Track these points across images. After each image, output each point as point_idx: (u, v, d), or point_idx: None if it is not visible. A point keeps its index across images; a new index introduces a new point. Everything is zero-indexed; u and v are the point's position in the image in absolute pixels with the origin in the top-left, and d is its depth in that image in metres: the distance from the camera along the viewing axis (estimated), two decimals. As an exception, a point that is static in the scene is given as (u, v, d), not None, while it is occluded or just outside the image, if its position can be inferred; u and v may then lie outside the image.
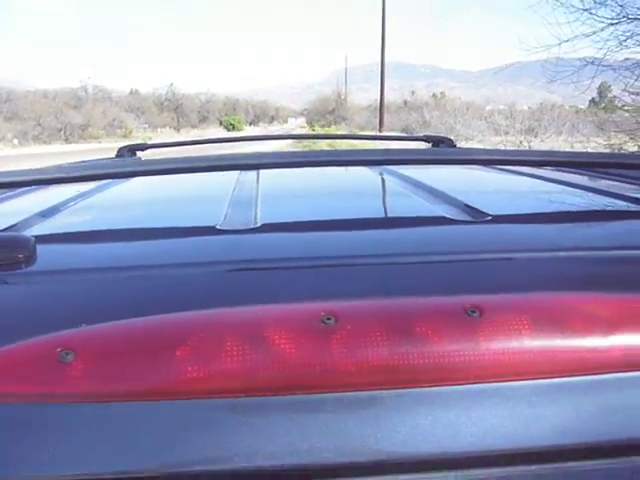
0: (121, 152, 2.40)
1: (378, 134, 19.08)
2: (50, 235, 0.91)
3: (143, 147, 2.49)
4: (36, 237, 0.76)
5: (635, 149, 9.37)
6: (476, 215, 0.94)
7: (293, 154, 0.96)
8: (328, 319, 0.58)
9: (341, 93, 66.05)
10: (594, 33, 8.69)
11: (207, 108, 67.09)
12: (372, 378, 0.57)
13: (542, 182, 1.36)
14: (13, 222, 0.97)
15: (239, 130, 61.47)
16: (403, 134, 25.62)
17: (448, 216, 0.94)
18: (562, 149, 13.70)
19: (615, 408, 0.59)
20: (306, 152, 0.98)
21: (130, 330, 0.60)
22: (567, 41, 8.94)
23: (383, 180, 1.46)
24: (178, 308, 0.61)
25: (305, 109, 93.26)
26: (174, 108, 61.20)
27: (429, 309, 0.61)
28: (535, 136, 17.48)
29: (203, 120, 64.77)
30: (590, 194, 1.22)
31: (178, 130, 55.89)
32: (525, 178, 1.43)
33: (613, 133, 9.78)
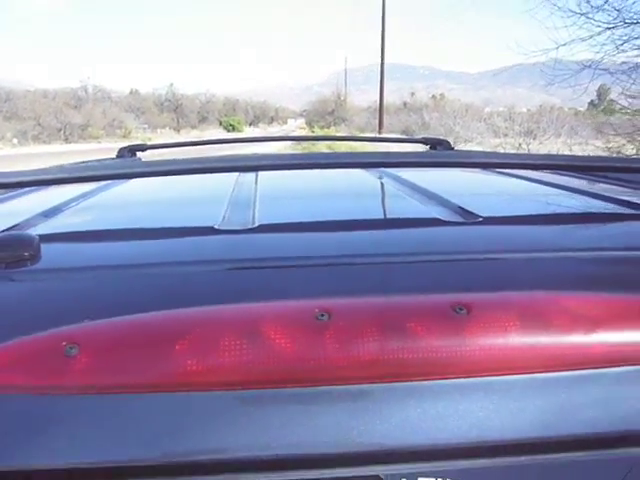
0: (121, 153, 2.42)
1: (377, 136, 19.10)
2: (53, 234, 0.93)
3: (143, 148, 2.51)
4: (40, 236, 0.78)
5: (633, 152, 9.40)
6: (468, 217, 0.96)
7: (291, 156, 0.98)
8: (322, 315, 0.61)
9: (341, 94, 66.02)
10: (591, 37, 8.72)
11: (207, 109, 67.06)
12: (364, 372, 0.60)
13: (536, 185, 1.38)
14: (17, 221, 1.00)
15: (239, 131, 61.47)
16: (402, 136, 25.66)
17: (441, 217, 0.97)
18: (560, 151, 13.72)
19: (597, 402, 0.62)
20: (304, 154, 1.00)
21: (132, 325, 0.62)
22: (564, 45, 8.97)
23: (379, 182, 1.48)
24: (178, 305, 0.63)
25: (304, 110, 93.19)
26: (174, 108, 61.17)
27: (419, 307, 0.63)
28: (534, 138, 17.49)
29: (203, 121, 64.72)
30: (581, 197, 1.24)
31: (178, 130, 55.86)
32: (520, 181, 1.45)
33: (612, 134, 9.80)
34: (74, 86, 50.45)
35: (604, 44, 8.62)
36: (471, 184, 1.51)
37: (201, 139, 2.79)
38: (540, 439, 0.61)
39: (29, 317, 0.66)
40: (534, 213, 1.13)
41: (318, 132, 42.61)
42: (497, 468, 0.61)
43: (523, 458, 0.61)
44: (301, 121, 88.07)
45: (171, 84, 63.26)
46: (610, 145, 9.75)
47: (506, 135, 18.81)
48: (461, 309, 0.62)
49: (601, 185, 1.38)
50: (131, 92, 64.06)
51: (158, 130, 53.17)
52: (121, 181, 1.44)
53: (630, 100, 9.26)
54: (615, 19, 8.50)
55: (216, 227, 0.93)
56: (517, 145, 16.81)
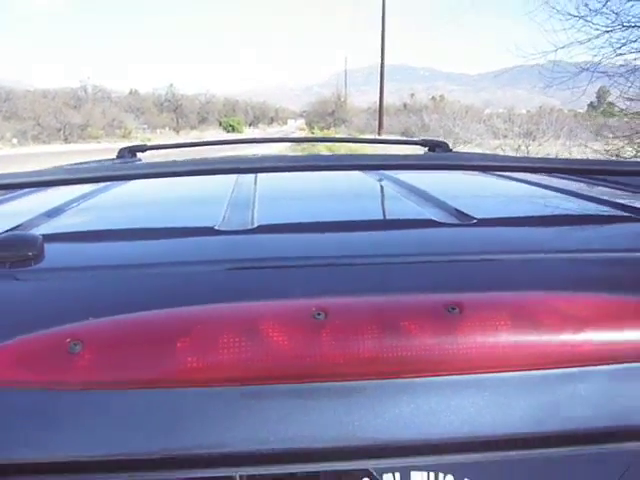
0: (122, 153, 2.44)
1: (376, 137, 19.10)
2: (56, 234, 0.94)
3: (143, 148, 2.53)
4: (43, 236, 0.80)
5: (632, 154, 9.42)
6: (462, 219, 0.98)
7: (291, 158, 1.00)
8: (319, 314, 0.62)
9: (341, 95, 66.12)
10: (589, 40, 8.75)
11: (206, 109, 67.11)
12: (359, 369, 0.61)
13: (531, 187, 1.39)
14: (21, 222, 1.01)
15: (238, 131, 61.52)
16: (402, 137, 25.67)
17: (436, 219, 0.98)
18: (559, 153, 13.74)
19: (585, 399, 0.63)
20: (304, 157, 1.02)
21: (134, 323, 0.64)
22: (563, 47, 9.00)
23: (377, 184, 1.49)
24: (178, 303, 0.65)
25: (304, 111, 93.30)
26: (173, 109, 61.22)
27: (413, 306, 0.65)
28: (533, 140, 17.52)
29: (202, 121, 64.75)
30: (574, 199, 1.26)
31: (177, 131, 55.91)
32: (516, 183, 1.46)
33: (611, 136, 9.83)
34: (74, 86, 50.55)
35: (602, 47, 8.66)
36: (467, 186, 1.52)
37: (201, 140, 2.81)
38: (529, 434, 0.63)
39: (33, 315, 0.67)
40: (527, 215, 1.15)
41: (318, 133, 42.67)
42: (488, 462, 0.63)
43: (513, 453, 0.63)
44: (301, 122, 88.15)
45: (171, 84, 63.35)
46: (609, 148, 9.77)
47: (505, 137, 18.85)
48: (454, 308, 0.63)
49: (596, 188, 1.39)
50: (131, 92, 64.10)
51: (158, 130, 53.22)
52: (122, 182, 1.45)
53: (628, 103, 9.29)
54: (613, 22, 8.54)
55: (216, 228, 0.94)
56: (516, 147, 16.84)
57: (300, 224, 1.04)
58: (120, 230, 1.02)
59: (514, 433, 0.62)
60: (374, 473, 0.62)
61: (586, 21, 8.67)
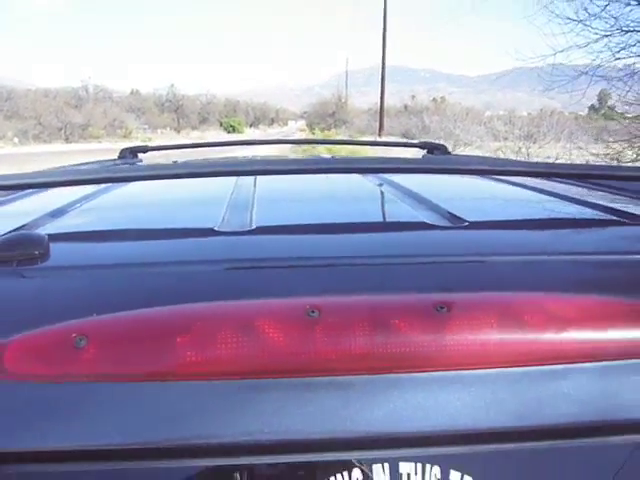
0: (123, 154, 2.47)
1: (376, 140, 19.12)
2: (61, 234, 0.97)
3: (144, 149, 2.56)
4: (49, 235, 0.83)
5: (632, 157, 9.43)
6: (454, 221, 1.01)
7: (290, 161, 1.02)
8: (313, 312, 0.65)
9: (341, 96, 66.07)
10: (588, 44, 8.76)
11: (207, 109, 67.14)
12: (351, 364, 0.64)
13: (526, 191, 1.41)
14: (26, 221, 1.04)
15: (239, 132, 61.53)
16: (402, 139, 25.67)
17: (428, 222, 1.01)
18: (560, 156, 13.74)
19: (568, 395, 0.66)
20: (303, 160, 1.04)
21: (136, 319, 0.66)
22: (562, 51, 9.01)
23: (373, 187, 1.51)
24: (179, 301, 0.68)
25: (305, 112, 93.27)
26: (174, 109, 61.25)
27: (403, 305, 0.68)
28: (534, 142, 17.52)
29: (203, 121, 64.78)
30: (566, 203, 1.28)
31: (178, 131, 55.93)
32: (511, 186, 1.48)
33: (611, 140, 9.83)
34: (75, 86, 50.56)
35: (601, 51, 8.68)
36: (462, 189, 1.54)
37: (201, 141, 2.83)
38: (513, 428, 0.65)
39: (40, 311, 0.70)
40: (516, 218, 1.17)
41: (318, 134, 42.68)
42: (472, 454, 0.65)
43: (497, 446, 0.66)
44: (302, 123, 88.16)
45: (172, 85, 63.40)
46: (608, 151, 9.78)
47: (506, 139, 18.84)
48: (442, 307, 0.66)
49: (589, 192, 1.41)
50: (132, 92, 64.15)
51: (159, 130, 53.24)
52: (124, 183, 1.47)
53: (627, 107, 9.31)
54: (612, 26, 8.56)
55: (215, 228, 0.97)
56: (517, 149, 16.83)
57: (296, 226, 1.07)
58: (123, 230, 1.05)
59: (498, 427, 0.65)
60: (365, 463, 0.64)
61: (585, 25, 8.70)
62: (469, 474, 0.64)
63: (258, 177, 1.50)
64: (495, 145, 18.81)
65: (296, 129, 76.48)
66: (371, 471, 0.64)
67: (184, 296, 0.70)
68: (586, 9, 8.64)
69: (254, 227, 0.98)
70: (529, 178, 1.50)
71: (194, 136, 46.55)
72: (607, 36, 8.57)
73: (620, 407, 0.66)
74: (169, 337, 0.64)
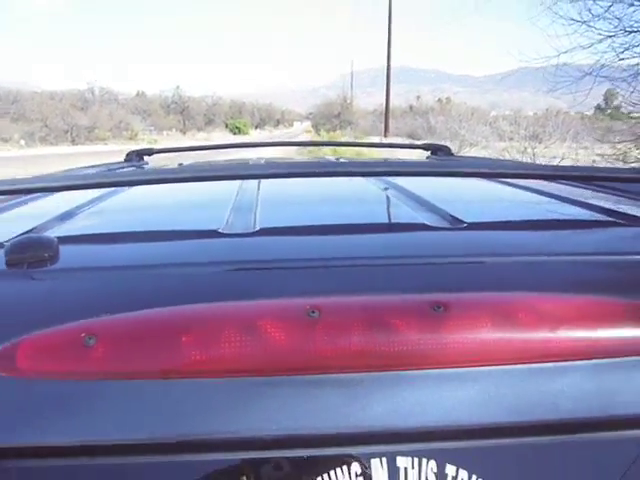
0: (129, 156, 2.50)
1: (380, 142, 19.12)
2: (69, 237, 0.99)
3: (150, 152, 2.58)
4: (58, 238, 0.85)
5: (639, 157, 9.40)
6: (454, 223, 1.03)
7: (294, 165, 1.04)
8: (313, 312, 0.67)
9: (347, 97, 66.02)
10: (591, 45, 8.74)
11: (213, 111, 67.17)
12: (350, 362, 0.67)
13: (527, 192, 1.42)
14: (35, 225, 1.06)
15: (245, 133, 61.60)
16: (408, 140, 25.67)
17: (427, 223, 1.03)
18: (566, 156, 13.71)
19: (559, 391, 0.68)
20: (307, 163, 1.06)
21: (143, 319, 0.69)
22: (565, 52, 8.99)
23: (374, 189, 1.52)
24: (184, 301, 0.70)
25: (311, 113, 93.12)
26: (180, 111, 61.32)
27: (400, 305, 0.71)
28: (539, 142, 17.46)
29: (209, 123, 64.83)
30: (564, 204, 1.29)
31: (184, 133, 56.03)
32: (512, 188, 1.49)
33: (616, 141, 9.80)
34: (81, 88, 50.74)
35: (605, 52, 8.66)
36: (464, 191, 1.55)
37: (206, 144, 2.85)
38: (506, 424, 0.67)
39: (50, 311, 0.72)
40: (514, 219, 1.19)
41: (324, 135, 42.68)
42: (467, 449, 0.68)
43: (491, 441, 0.68)
44: (307, 124, 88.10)
45: (177, 86, 63.40)
46: (614, 151, 9.74)
47: (511, 139, 18.79)
48: (439, 307, 0.68)
49: (592, 194, 1.42)
50: (138, 94, 64.27)
51: (164, 132, 53.32)
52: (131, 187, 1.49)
53: (630, 108, 9.29)
54: (616, 27, 8.53)
55: (220, 231, 0.99)
56: (522, 149, 16.79)
57: (297, 227, 1.09)
58: (130, 233, 1.07)
59: (492, 422, 0.67)
60: (363, 458, 0.66)
61: (589, 26, 8.67)
62: (464, 468, 0.66)
63: (261, 180, 1.52)
64: (501, 145, 18.75)
65: (302, 130, 76.46)
66: (369, 465, 0.66)
67: (189, 297, 0.72)
68: (590, 10, 8.63)
69: (257, 229, 1.00)
70: (530, 180, 1.51)
71: (200, 137, 46.65)
72: (611, 37, 8.55)
73: (612, 404, 0.68)
74: (174, 336, 0.66)
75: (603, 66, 8.65)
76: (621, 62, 8.56)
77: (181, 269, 0.81)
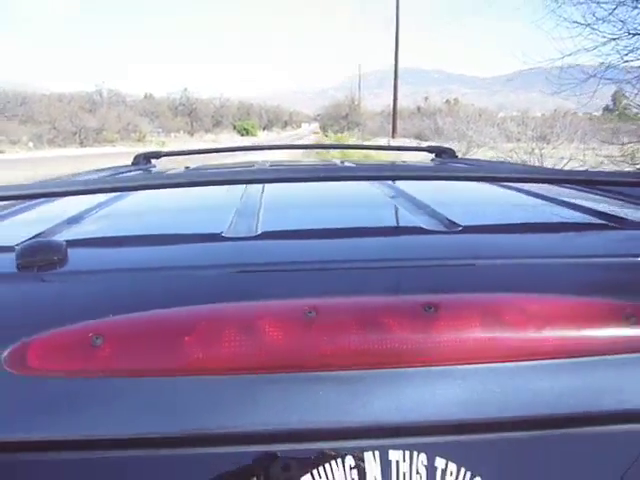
0: (137, 159, 2.53)
1: (386, 145, 19.14)
2: (78, 240, 1.02)
3: (158, 155, 2.61)
4: (66, 242, 0.88)
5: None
6: (450, 226, 1.05)
7: (299, 169, 1.06)
8: (310, 312, 0.70)
9: (354, 98, 66.00)
10: (596, 48, 8.73)
11: (221, 113, 67.25)
12: (345, 360, 0.70)
13: (527, 196, 1.43)
14: (44, 229, 1.09)
15: (252, 135, 61.70)
16: (415, 141, 25.64)
17: (424, 226, 1.06)
18: (573, 157, 13.67)
19: (547, 388, 0.71)
20: (309, 167, 1.08)
21: (148, 320, 0.72)
22: (570, 55, 8.99)
23: (377, 192, 1.54)
24: (188, 302, 0.73)
25: (319, 114, 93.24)
26: (188, 113, 61.43)
27: (393, 305, 0.74)
28: (547, 143, 17.40)
29: (217, 125, 64.92)
30: (560, 208, 1.30)
31: (192, 135, 56.14)
32: (513, 192, 1.50)
33: (623, 143, 9.78)
34: (89, 90, 50.94)
35: (609, 54, 8.65)
36: (464, 194, 1.57)
37: (213, 147, 2.88)
38: (497, 419, 0.70)
39: (59, 313, 0.75)
40: (510, 222, 1.21)
41: (332, 137, 42.74)
42: (457, 443, 0.70)
43: (481, 436, 0.71)
44: (315, 125, 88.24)
45: (185, 88, 63.55)
46: (621, 153, 9.72)
47: (519, 140, 18.73)
48: (430, 308, 0.71)
49: (593, 198, 1.43)
50: (145, 96, 64.47)
51: (172, 134, 53.41)
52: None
53: (635, 110, 9.28)
54: (620, 30, 8.52)
55: (223, 234, 1.01)
56: (530, 150, 16.75)
57: (297, 231, 1.13)
58: (136, 236, 1.10)
59: (480, 418, 0.70)
60: (357, 451, 0.68)
61: (593, 29, 8.66)
62: (453, 461, 0.69)
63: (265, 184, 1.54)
64: (508, 146, 18.69)
65: (309, 132, 76.59)
66: (363, 459, 0.68)
67: (192, 298, 0.75)
68: (594, 13, 8.62)
69: (259, 233, 1.03)
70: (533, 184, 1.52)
71: (208, 139, 46.72)
72: (615, 39, 8.54)
73: (597, 400, 0.71)
74: (178, 336, 0.69)
75: (608, 67, 8.65)
76: (626, 64, 8.56)
77: (185, 271, 0.84)
